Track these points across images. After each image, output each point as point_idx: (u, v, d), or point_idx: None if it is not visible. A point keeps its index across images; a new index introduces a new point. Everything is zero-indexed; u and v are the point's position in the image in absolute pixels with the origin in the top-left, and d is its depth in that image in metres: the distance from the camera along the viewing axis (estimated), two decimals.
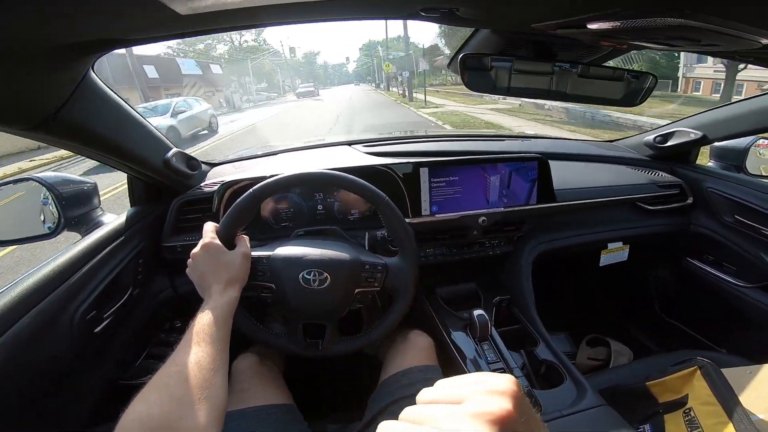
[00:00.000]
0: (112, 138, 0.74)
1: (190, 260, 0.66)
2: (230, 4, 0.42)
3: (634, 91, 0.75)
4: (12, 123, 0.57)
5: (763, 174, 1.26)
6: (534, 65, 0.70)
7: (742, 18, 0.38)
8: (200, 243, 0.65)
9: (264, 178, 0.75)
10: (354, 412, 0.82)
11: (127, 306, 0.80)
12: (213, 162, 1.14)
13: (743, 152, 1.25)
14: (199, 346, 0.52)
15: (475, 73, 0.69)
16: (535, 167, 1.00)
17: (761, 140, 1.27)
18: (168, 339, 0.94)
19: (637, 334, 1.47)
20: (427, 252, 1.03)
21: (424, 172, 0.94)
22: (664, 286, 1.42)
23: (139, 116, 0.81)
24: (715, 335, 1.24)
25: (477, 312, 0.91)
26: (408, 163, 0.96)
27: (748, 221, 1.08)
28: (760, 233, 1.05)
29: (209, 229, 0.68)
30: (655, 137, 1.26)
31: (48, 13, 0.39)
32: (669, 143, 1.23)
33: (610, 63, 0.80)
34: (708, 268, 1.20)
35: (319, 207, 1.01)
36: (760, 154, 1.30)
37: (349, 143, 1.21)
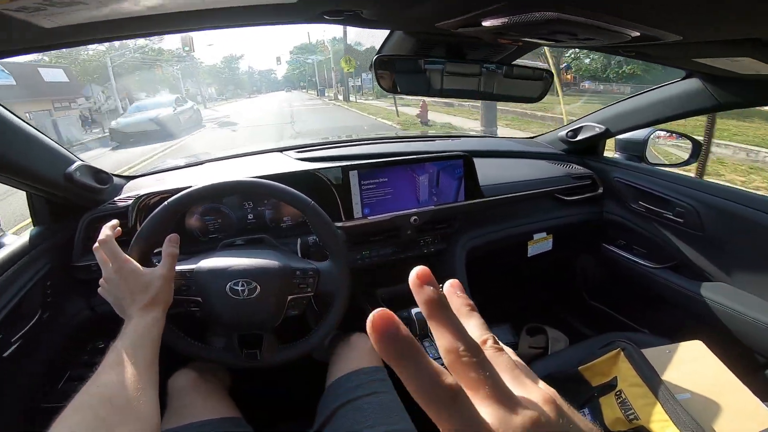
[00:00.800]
0: (3, 155, 0.67)
1: (102, 282, 0.62)
2: (97, 16, 0.39)
3: (544, 88, 0.82)
4: None
5: (662, 162, 1.43)
6: (464, 67, 0.74)
7: (609, 10, 0.42)
8: (110, 267, 0.61)
9: (182, 189, 0.71)
10: (306, 419, 0.82)
11: (36, 329, 0.75)
12: (130, 175, 1.06)
13: (643, 143, 1.40)
14: (122, 366, 0.50)
15: (408, 75, 0.71)
16: (461, 165, 1.05)
17: (658, 131, 1.43)
18: (92, 360, 0.88)
19: (570, 320, 1.60)
20: (363, 254, 1.04)
21: (353, 176, 0.95)
22: (588, 272, 1.56)
23: (31, 127, 0.74)
24: (636, 317, 1.37)
25: (415, 310, 0.94)
26: (337, 167, 0.96)
27: (651, 206, 1.22)
28: (663, 217, 1.18)
29: (113, 250, 0.62)
30: (567, 132, 1.39)
31: None
32: (578, 137, 1.36)
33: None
34: (622, 252, 1.33)
35: (249, 216, 0.98)
36: (657, 144, 1.48)
37: (281, 150, 1.19)
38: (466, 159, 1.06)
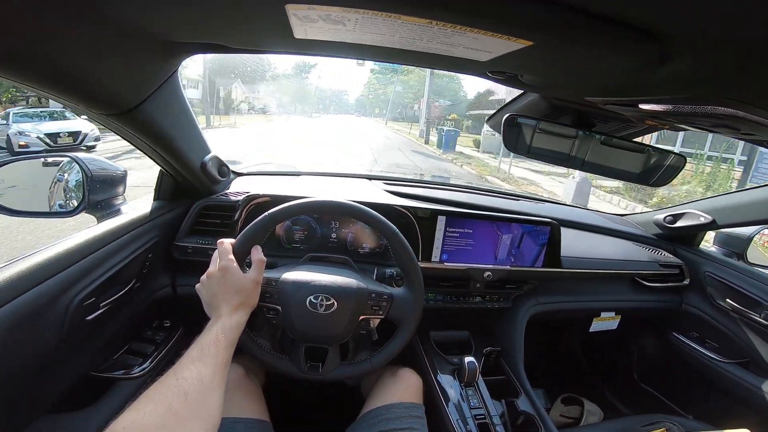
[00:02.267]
0: (173, 136, 0.77)
1: (204, 278, 0.66)
2: (338, 38, 0.43)
3: (653, 167, 0.76)
4: (101, 106, 0.60)
5: (763, 264, 1.30)
6: (559, 127, 0.72)
7: None
8: (218, 263, 0.66)
9: (289, 197, 0.76)
10: None
11: (124, 298, 0.80)
12: (237, 171, 1.15)
13: (746, 241, 1.29)
14: (202, 362, 0.53)
15: (538, 138, 0.71)
16: (547, 232, 1.03)
17: (766, 230, 1.30)
18: (153, 337, 0.93)
19: (610, 397, 1.52)
20: (428, 296, 1.05)
21: (441, 220, 0.97)
22: (646, 355, 1.47)
23: (194, 118, 0.84)
24: (684, 402, 1.32)
25: (468, 359, 0.94)
26: (427, 208, 0.98)
27: (740, 305, 1.14)
28: (749, 317, 1.11)
29: (227, 249, 0.67)
30: (666, 216, 1.30)
31: (175, 12, 0.42)
32: (678, 224, 1.27)
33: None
34: (692, 344, 1.26)
35: (333, 236, 1.03)
36: (762, 244, 1.34)
37: (369, 177, 1.24)
38: (555, 227, 1.03)
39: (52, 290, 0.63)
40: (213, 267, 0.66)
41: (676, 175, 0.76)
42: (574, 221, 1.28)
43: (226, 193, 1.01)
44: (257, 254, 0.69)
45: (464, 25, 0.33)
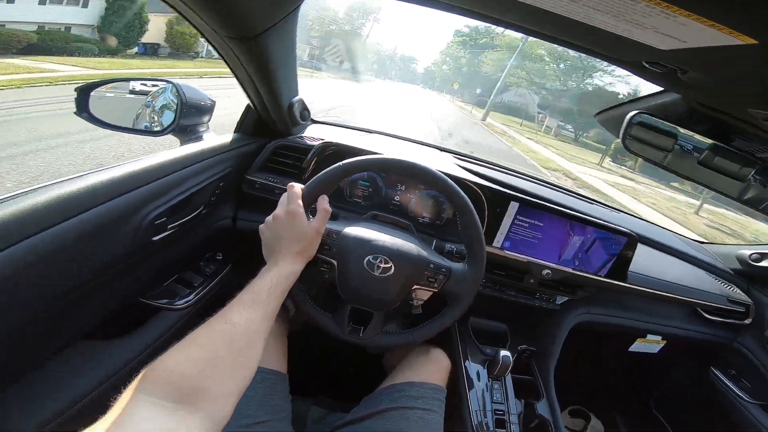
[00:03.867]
0: (276, 71, 0.77)
1: (270, 219, 0.64)
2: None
3: (759, 197, 0.67)
4: (231, 28, 0.60)
5: None
6: (655, 136, 0.64)
7: None
8: (285, 207, 0.63)
9: (364, 151, 0.73)
10: (342, 403, 0.84)
11: (190, 223, 0.80)
12: (314, 119, 1.14)
13: None
14: (253, 309, 0.51)
15: (666, 145, 0.65)
16: (621, 243, 0.95)
17: None
18: (204, 268, 0.94)
19: (618, 418, 1.50)
20: None
21: (513, 206, 0.92)
22: (669, 383, 1.43)
23: (296, 59, 0.84)
24: None
25: (504, 353, 0.92)
26: (501, 191, 0.93)
27: None
28: None
29: (297, 194, 0.64)
30: (752, 254, 1.18)
31: None
32: (764, 263, 1.15)
33: None
34: (726, 381, 1.23)
35: (396, 198, 1.01)
36: None
37: (440, 149, 1.18)
38: (632, 240, 0.95)
39: (131, 204, 0.63)
40: (280, 210, 0.63)
41: None
42: (650, 238, 1.18)
43: (302, 137, 1.01)
44: (323, 203, 0.66)
45: (688, 9, 0.27)
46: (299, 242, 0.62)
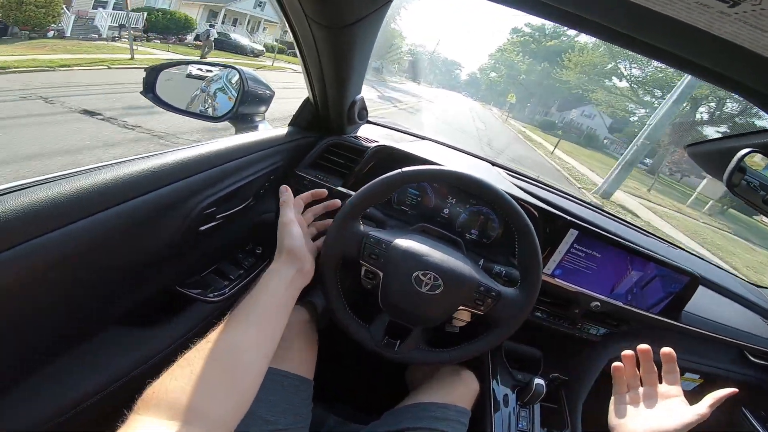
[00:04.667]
0: (351, 65, 0.75)
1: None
2: None
3: None
4: (325, 16, 0.59)
5: None
6: (736, 176, 0.58)
7: None
8: (280, 219, 0.67)
9: (421, 160, 0.70)
10: (361, 414, 0.82)
11: (237, 215, 0.78)
12: (368, 119, 1.11)
13: None
14: (246, 326, 0.51)
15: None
16: (682, 282, 0.91)
17: None
18: (242, 261, 0.93)
19: None
20: None
21: (572, 234, 0.88)
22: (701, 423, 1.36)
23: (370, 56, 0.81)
24: None
25: (538, 381, 0.89)
26: (561, 215, 0.89)
27: None
28: None
29: (286, 203, 0.69)
30: None
31: None
32: None
33: None
34: (754, 422, 1.17)
35: (445, 211, 0.98)
36: None
37: (492, 163, 1.14)
38: (693, 281, 0.90)
39: (182, 192, 0.62)
40: (279, 218, 0.67)
41: None
42: (709, 279, 1.12)
43: (356, 136, 0.98)
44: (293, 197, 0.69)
45: None
46: (293, 260, 0.62)
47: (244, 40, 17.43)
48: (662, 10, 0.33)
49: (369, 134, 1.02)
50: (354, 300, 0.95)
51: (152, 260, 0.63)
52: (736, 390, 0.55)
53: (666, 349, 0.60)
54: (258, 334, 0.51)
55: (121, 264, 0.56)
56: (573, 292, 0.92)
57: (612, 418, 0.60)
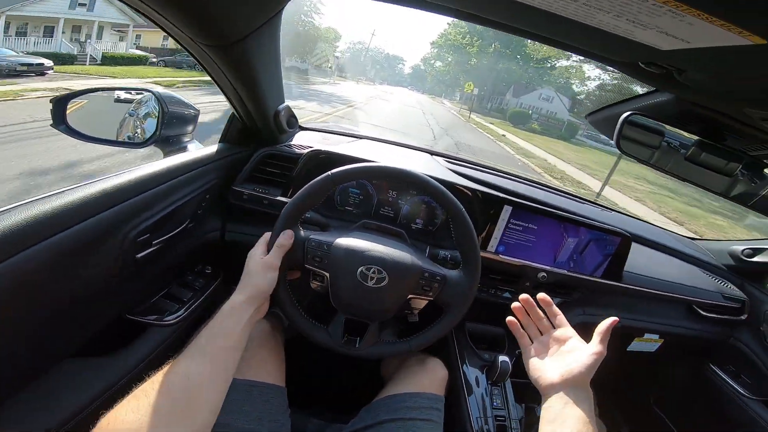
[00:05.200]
0: (260, 78, 0.74)
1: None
2: None
3: (747, 192, 0.69)
4: (208, 35, 0.58)
5: None
6: (643, 134, 0.65)
7: None
8: (256, 250, 0.66)
9: (354, 158, 0.71)
10: (339, 414, 0.82)
11: (176, 238, 0.77)
12: (301, 125, 1.11)
13: None
14: (192, 357, 0.51)
15: (658, 144, 0.65)
16: (615, 243, 0.96)
17: None
18: (192, 283, 0.91)
19: (618, 416, 1.51)
20: None
21: (506, 210, 0.91)
22: (669, 381, 1.43)
23: (281, 64, 0.82)
24: None
25: (502, 358, 0.91)
26: (494, 195, 0.92)
27: None
28: None
29: (260, 241, 0.68)
30: (744, 249, 1.20)
31: None
32: (756, 258, 1.17)
33: None
34: (725, 377, 1.23)
35: (387, 205, 0.99)
36: None
37: (431, 153, 1.17)
38: (626, 240, 0.96)
39: (111, 221, 0.60)
40: (253, 251, 0.67)
41: None
42: (643, 237, 1.19)
43: (290, 145, 0.98)
44: (282, 239, 0.66)
45: (700, 8, 0.26)
46: (254, 300, 0.62)
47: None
48: (539, 5, 0.38)
49: (304, 141, 1.03)
50: (312, 304, 0.95)
51: (94, 291, 0.61)
52: (616, 319, 0.59)
53: (540, 295, 0.64)
54: (213, 369, 0.52)
55: (60, 298, 0.55)
56: (518, 266, 0.95)
57: (530, 372, 0.63)
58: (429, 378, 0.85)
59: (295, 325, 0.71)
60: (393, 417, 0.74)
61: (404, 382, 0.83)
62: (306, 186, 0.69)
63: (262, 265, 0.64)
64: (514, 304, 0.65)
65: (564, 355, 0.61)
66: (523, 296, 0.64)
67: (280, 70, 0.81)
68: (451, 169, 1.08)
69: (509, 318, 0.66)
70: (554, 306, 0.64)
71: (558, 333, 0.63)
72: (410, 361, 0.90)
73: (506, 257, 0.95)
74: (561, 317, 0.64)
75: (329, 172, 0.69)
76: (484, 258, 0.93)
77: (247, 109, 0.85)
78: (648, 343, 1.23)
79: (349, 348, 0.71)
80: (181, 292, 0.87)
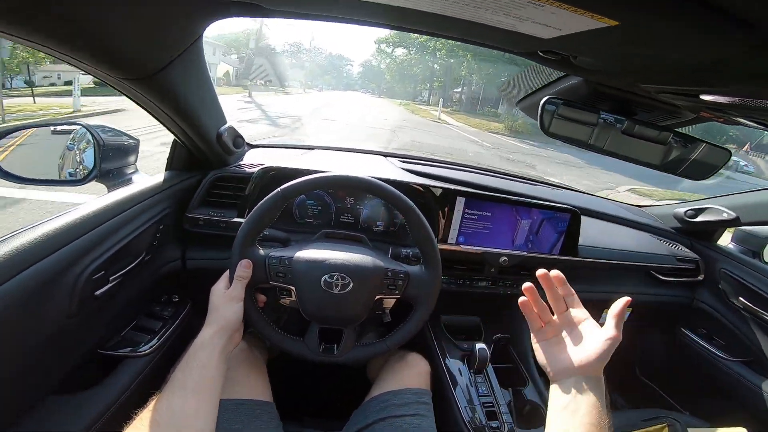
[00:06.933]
0: (192, 104, 0.74)
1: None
2: None
3: (678, 159, 0.72)
4: (122, 70, 0.57)
5: None
6: (579, 113, 0.68)
7: None
8: (218, 285, 0.67)
9: (304, 171, 0.72)
10: (332, 421, 0.82)
11: (134, 272, 0.76)
12: (251, 143, 1.11)
13: (765, 239, 1.26)
14: (174, 393, 0.52)
15: (576, 125, 0.68)
16: (566, 219, 1.00)
17: None
18: (161, 313, 0.91)
19: (608, 389, 1.53)
20: (441, 278, 1.04)
21: (460, 201, 0.94)
22: (649, 349, 1.47)
23: (213, 87, 0.81)
24: (683, 399, 1.33)
25: (479, 345, 0.93)
26: (447, 188, 0.95)
27: (753, 305, 1.13)
28: (759, 316, 1.11)
29: (223, 285, 0.68)
30: (687, 210, 1.27)
31: None
32: (699, 219, 1.24)
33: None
34: (699, 341, 1.26)
35: (346, 212, 1.00)
36: None
37: (384, 155, 1.19)
38: (575, 215, 1.00)
39: (61, 263, 0.59)
40: (217, 285, 0.68)
41: (717, 171, 0.72)
42: (593, 210, 1.25)
43: (240, 165, 0.98)
44: (240, 271, 0.67)
45: None
46: (224, 331, 0.62)
47: None
48: (429, 9, 0.41)
49: (255, 159, 1.03)
50: (290, 320, 0.95)
51: (58, 330, 0.61)
52: (629, 298, 0.56)
53: (554, 272, 0.57)
54: (197, 400, 0.53)
55: (26, 338, 0.55)
56: (480, 254, 0.98)
57: (540, 357, 0.57)
58: (411, 373, 0.86)
59: (272, 343, 0.71)
60: (382, 416, 0.75)
61: (388, 381, 0.84)
62: (256, 207, 0.69)
63: (225, 298, 0.65)
64: (526, 284, 0.58)
65: (577, 340, 0.56)
66: (540, 272, 0.57)
67: (213, 91, 0.81)
68: (405, 169, 1.10)
69: (521, 299, 0.59)
70: (567, 284, 0.58)
71: (573, 313, 0.58)
72: (392, 360, 0.91)
73: (467, 247, 0.97)
74: (575, 296, 0.58)
75: (278, 189, 0.70)
76: (446, 250, 0.96)
77: (188, 135, 0.84)
78: None
79: (328, 356, 0.71)
80: (150, 323, 0.87)
